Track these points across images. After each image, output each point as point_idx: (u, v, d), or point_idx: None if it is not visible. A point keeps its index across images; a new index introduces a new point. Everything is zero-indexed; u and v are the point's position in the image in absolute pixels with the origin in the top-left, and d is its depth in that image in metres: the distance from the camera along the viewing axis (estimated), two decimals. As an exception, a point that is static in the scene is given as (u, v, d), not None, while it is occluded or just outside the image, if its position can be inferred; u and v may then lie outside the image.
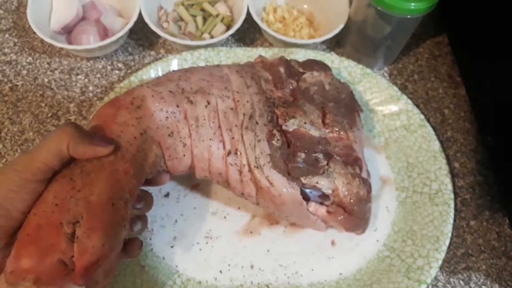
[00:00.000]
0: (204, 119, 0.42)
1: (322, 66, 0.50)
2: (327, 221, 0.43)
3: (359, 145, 0.46)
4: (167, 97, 0.41)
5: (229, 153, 0.41)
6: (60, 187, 0.33)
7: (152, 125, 0.39)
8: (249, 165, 0.41)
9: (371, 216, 0.45)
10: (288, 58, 0.51)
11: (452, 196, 0.48)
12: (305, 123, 0.44)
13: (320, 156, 0.43)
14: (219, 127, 0.42)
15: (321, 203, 0.43)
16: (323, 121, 0.45)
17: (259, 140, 0.42)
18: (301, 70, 0.49)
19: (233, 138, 0.42)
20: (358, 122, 0.47)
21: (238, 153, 0.42)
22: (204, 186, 0.49)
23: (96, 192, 0.33)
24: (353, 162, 0.44)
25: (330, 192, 0.42)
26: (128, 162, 0.36)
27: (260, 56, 0.51)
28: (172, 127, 0.40)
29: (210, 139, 0.41)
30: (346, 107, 0.47)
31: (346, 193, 0.42)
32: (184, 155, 0.41)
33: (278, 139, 0.43)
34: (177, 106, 0.41)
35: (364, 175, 0.44)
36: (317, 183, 0.41)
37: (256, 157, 0.41)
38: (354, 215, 0.43)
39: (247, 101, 0.44)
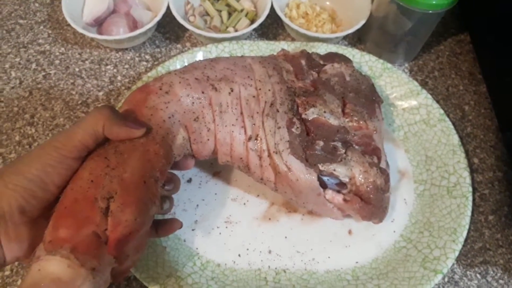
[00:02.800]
0: (227, 106, 0.43)
1: (343, 58, 0.51)
2: (344, 209, 0.44)
3: (379, 135, 0.46)
4: (193, 84, 0.43)
5: (249, 138, 0.43)
6: (96, 165, 0.35)
7: (179, 110, 0.41)
8: (268, 150, 0.43)
9: (389, 207, 0.46)
10: (310, 52, 0.53)
11: (470, 189, 0.48)
12: (324, 112, 0.45)
13: (339, 144, 0.44)
14: (241, 113, 0.43)
15: (338, 191, 0.44)
16: (343, 111, 0.46)
17: (279, 127, 0.43)
18: (322, 62, 0.50)
19: (254, 124, 0.43)
20: (378, 113, 0.48)
21: (259, 138, 0.43)
22: (225, 174, 0.51)
23: (129, 170, 0.35)
24: (371, 151, 0.45)
25: (347, 180, 0.43)
26: (158, 143, 0.38)
27: (283, 49, 0.52)
28: (198, 112, 0.42)
29: (233, 125, 0.43)
30: (366, 97, 0.48)
31: (363, 181, 0.43)
32: (208, 140, 0.43)
33: (297, 127, 0.44)
34: (202, 92, 0.43)
35: (383, 165, 0.45)
36: (334, 170, 0.42)
37: (275, 143, 0.43)
38: (370, 203, 0.43)
39: (269, 90, 0.45)
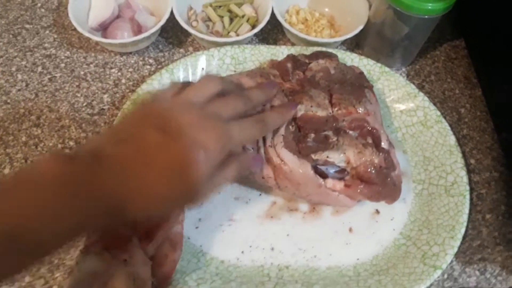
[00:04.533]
0: None
1: (327, 54, 0.53)
2: (351, 195, 0.45)
3: (374, 117, 0.48)
4: None
5: None
6: None
7: None
8: (265, 146, 0.45)
9: (401, 186, 0.47)
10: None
11: (467, 188, 0.50)
12: (311, 106, 0.47)
13: (330, 133, 0.46)
14: None
15: (340, 179, 0.45)
16: (330, 102, 0.48)
17: None
18: (307, 61, 0.53)
19: None
20: (370, 97, 0.50)
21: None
22: (227, 173, 0.52)
23: None
24: (367, 133, 0.46)
25: (344, 165, 0.44)
26: None
27: (271, 60, 0.55)
28: None
29: None
30: (352, 85, 0.50)
31: (359, 162, 0.44)
32: None
33: (293, 125, 0.46)
34: None
35: (384, 145, 0.46)
36: (327, 157, 0.44)
37: (272, 138, 0.45)
38: (372, 183, 0.44)
39: None
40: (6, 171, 0.51)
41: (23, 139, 0.53)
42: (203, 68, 0.56)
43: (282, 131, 0.45)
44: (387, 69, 0.57)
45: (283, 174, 0.44)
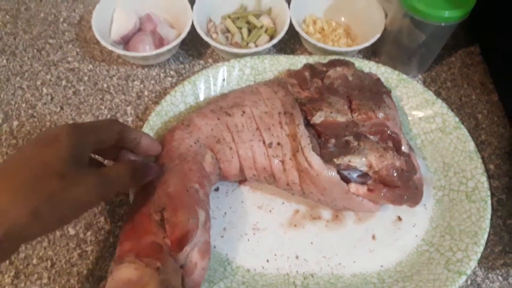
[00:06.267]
0: (243, 125, 0.48)
1: (344, 62, 0.54)
2: (374, 200, 0.46)
3: (393, 122, 0.49)
4: (209, 114, 0.49)
5: (270, 145, 0.47)
6: (144, 191, 0.43)
7: (202, 136, 0.48)
8: (292, 150, 0.46)
9: (423, 189, 0.48)
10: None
11: (488, 193, 0.50)
12: (331, 112, 0.48)
13: (350, 138, 0.47)
14: (257, 129, 0.48)
15: (363, 183, 0.46)
16: (349, 108, 0.49)
17: (299, 124, 0.47)
18: (325, 69, 0.54)
19: (272, 135, 0.47)
20: (388, 102, 0.51)
21: (280, 145, 0.47)
22: (250, 182, 0.53)
23: (171, 185, 0.42)
24: (388, 137, 0.47)
25: (367, 169, 0.45)
26: (189, 162, 0.45)
27: (288, 70, 0.57)
28: (218, 135, 0.48)
29: (251, 140, 0.48)
30: (370, 91, 0.51)
31: (381, 166, 0.45)
32: (232, 157, 0.48)
33: (310, 131, 0.48)
34: (218, 119, 0.49)
35: (405, 149, 0.47)
36: (349, 161, 0.45)
37: (298, 141, 0.46)
38: (396, 186, 0.45)
39: (278, 102, 0.50)
40: (35, 183, 0.52)
41: (51, 151, 0.54)
42: (224, 79, 0.57)
43: (306, 132, 0.46)
44: (404, 76, 0.58)
45: (310, 178, 0.45)
